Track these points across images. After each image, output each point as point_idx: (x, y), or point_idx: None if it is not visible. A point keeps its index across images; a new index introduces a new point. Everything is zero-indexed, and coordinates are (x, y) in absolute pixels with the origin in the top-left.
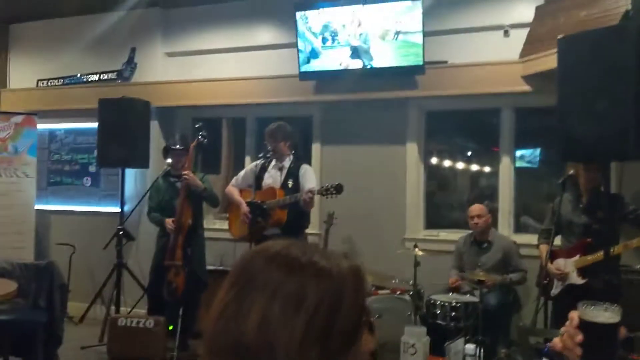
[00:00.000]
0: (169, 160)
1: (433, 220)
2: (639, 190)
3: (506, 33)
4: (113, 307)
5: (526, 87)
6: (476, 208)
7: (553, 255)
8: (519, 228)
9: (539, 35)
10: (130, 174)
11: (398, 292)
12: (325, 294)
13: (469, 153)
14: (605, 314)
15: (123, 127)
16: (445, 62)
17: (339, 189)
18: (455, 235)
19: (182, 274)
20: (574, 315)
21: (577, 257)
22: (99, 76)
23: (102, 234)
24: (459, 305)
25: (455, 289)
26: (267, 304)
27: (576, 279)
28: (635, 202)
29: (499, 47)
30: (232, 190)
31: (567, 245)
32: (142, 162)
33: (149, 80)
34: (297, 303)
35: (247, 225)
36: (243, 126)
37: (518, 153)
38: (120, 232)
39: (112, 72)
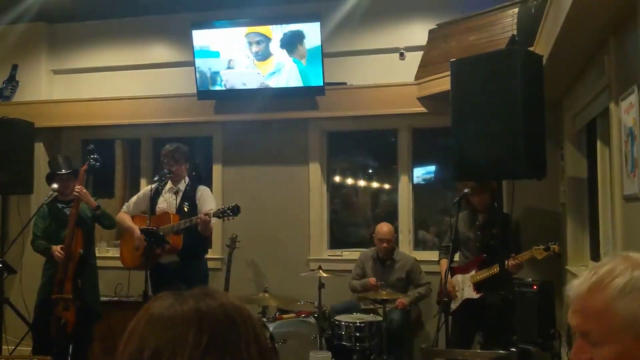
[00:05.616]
0: (55, 186)
1: (337, 238)
2: (529, 206)
3: (402, 55)
4: None
5: (421, 108)
6: (385, 231)
7: (452, 271)
8: (418, 244)
9: (432, 59)
10: (13, 200)
11: (303, 315)
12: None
13: (370, 171)
14: None
15: (3, 150)
16: (345, 83)
17: (235, 210)
18: (358, 254)
19: (73, 308)
20: None
21: (472, 272)
22: None
23: None
24: (363, 325)
25: (375, 288)
26: None
27: (472, 294)
28: (525, 217)
29: (396, 70)
30: (124, 216)
31: (464, 261)
32: (25, 187)
33: (33, 100)
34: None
35: (140, 253)
36: (138, 147)
37: (416, 171)
38: (0, 265)
39: None
